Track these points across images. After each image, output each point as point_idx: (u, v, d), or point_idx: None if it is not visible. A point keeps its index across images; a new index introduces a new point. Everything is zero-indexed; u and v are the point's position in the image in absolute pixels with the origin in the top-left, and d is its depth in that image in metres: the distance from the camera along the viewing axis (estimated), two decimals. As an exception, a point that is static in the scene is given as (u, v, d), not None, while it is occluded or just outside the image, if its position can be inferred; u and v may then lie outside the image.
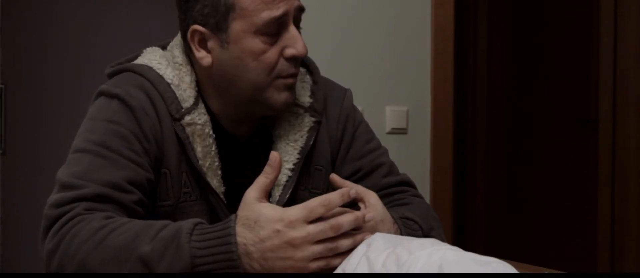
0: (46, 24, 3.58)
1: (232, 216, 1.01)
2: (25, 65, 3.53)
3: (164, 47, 1.30)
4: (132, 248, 0.99)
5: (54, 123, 3.57)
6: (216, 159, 1.21)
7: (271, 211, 0.99)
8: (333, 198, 0.99)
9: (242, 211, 1.01)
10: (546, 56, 3.71)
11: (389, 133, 2.63)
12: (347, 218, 0.99)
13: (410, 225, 1.19)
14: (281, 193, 1.24)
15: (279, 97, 1.19)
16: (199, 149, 1.19)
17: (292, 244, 0.97)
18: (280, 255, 0.97)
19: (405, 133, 2.67)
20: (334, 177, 1.19)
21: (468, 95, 4.05)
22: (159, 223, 1.02)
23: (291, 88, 1.21)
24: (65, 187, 1.08)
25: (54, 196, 1.08)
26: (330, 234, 0.98)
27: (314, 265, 0.98)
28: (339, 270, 0.96)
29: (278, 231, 0.97)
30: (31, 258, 3.19)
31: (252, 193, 1.02)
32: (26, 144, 3.54)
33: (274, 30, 1.16)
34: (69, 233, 1.02)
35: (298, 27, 1.20)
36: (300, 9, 1.19)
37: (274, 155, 1.04)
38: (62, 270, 1.02)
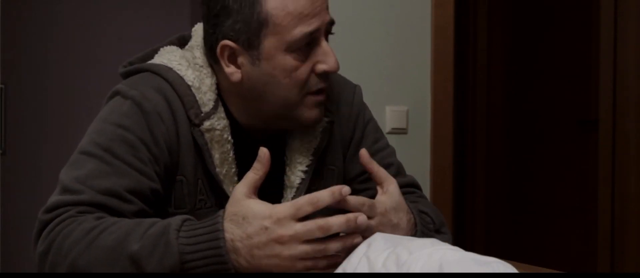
0: (46, 24, 3.58)
1: (220, 213, 1.00)
2: (25, 65, 3.53)
3: (181, 44, 1.27)
4: (122, 247, 0.99)
5: (54, 123, 3.57)
6: (233, 166, 1.19)
7: (260, 207, 0.98)
8: (322, 196, 0.98)
9: (230, 207, 1.00)
10: (546, 55, 3.71)
11: (389, 133, 2.63)
12: (337, 220, 0.97)
13: (424, 218, 1.19)
14: (294, 195, 1.23)
15: (310, 114, 1.18)
16: (216, 155, 1.17)
17: (279, 242, 0.96)
18: (267, 253, 0.96)
19: (405, 133, 2.67)
20: (363, 153, 1.16)
21: (468, 95, 4.05)
22: (148, 221, 1.02)
23: (321, 105, 1.19)
24: (64, 190, 1.07)
25: (51, 200, 1.07)
26: (318, 234, 0.97)
27: (301, 265, 0.97)
28: (339, 270, 0.96)
29: (266, 228, 0.96)
30: (31, 258, 3.18)
31: (241, 188, 1.01)
32: (26, 144, 3.54)
33: (306, 46, 1.14)
34: (61, 234, 1.02)
35: (328, 37, 1.18)
36: (331, 23, 1.17)
37: (263, 151, 1.03)
38: (54, 271, 1.02)
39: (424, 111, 2.70)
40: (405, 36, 2.66)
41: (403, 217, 1.12)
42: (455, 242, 1.09)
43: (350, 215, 0.98)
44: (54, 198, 1.07)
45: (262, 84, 1.16)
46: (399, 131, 2.66)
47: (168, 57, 1.21)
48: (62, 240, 1.01)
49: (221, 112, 1.18)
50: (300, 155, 1.24)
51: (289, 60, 1.13)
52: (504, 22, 3.97)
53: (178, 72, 1.18)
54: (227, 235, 0.98)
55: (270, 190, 1.12)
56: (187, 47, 1.25)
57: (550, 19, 3.69)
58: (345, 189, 1.00)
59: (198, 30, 1.25)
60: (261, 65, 1.14)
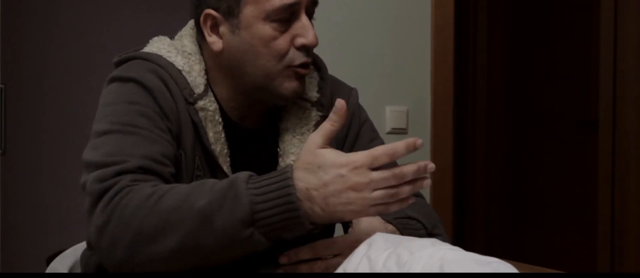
0: (46, 23, 3.58)
1: (290, 164, 1.02)
2: (25, 65, 3.53)
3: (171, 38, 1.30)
4: (188, 205, 0.99)
5: (54, 122, 3.57)
6: (225, 146, 1.21)
7: (336, 156, 1.00)
8: (398, 147, 1.00)
9: (305, 156, 1.01)
10: (546, 55, 3.71)
11: (389, 133, 2.63)
12: (410, 168, 1.00)
13: (412, 225, 1.20)
14: None
15: (289, 85, 1.20)
16: (211, 134, 1.19)
17: (355, 189, 0.98)
18: (342, 200, 0.98)
19: (405, 133, 2.67)
20: None
21: (468, 95, 4.05)
22: (210, 181, 1.03)
23: (301, 78, 1.21)
24: (101, 165, 1.06)
25: (94, 174, 1.05)
26: (393, 182, 0.99)
27: (374, 210, 0.99)
28: (339, 270, 0.96)
29: (342, 176, 0.98)
30: (31, 258, 3.18)
31: (316, 139, 1.02)
32: (26, 144, 3.54)
33: (285, 17, 1.16)
34: (120, 204, 1.01)
35: (311, 19, 1.21)
36: (313, 2, 1.20)
37: (340, 102, 1.04)
38: (115, 244, 1.00)
39: (424, 111, 2.70)
40: (405, 35, 2.66)
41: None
42: (455, 242, 1.09)
43: (421, 163, 1.01)
44: (95, 173, 1.05)
45: (242, 53, 1.18)
46: (399, 131, 2.66)
47: (157, 45, 1.24)
48: (123, 209, 1.00)
49: (211, 96, 1.21)
50: (293, 146, 1.26)
51: (267, 29, 1.16)
52: (504, 22, 3.97)
53: (168, 58, 1.21)
54: (301, 184, 0.99)
55: None
56: (176, 36, 1.28)
57: (550, 19, 3.69)
58: (420, 141, 1.01)
59: (190, 23, 1.29)
60: (240, 34, 1.17)
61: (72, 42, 3.61)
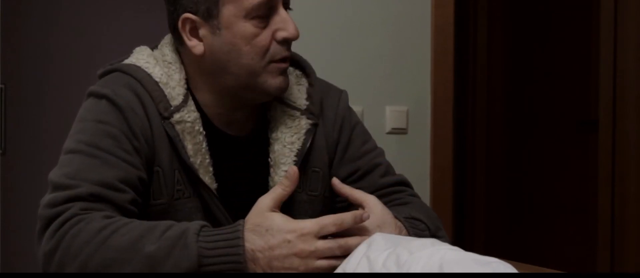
0: (46, 24, 3.57)
1: (240, 222, 1.03)
2: (25, 65, 3.52)
3: (155, 47, 1.30)
4: (137, 248, 1.00)
5: (54, 123, 3.56)
6: (207, 156, 1.21)
7: (284, 221, 1.02)
8: (346, 218, 1.03)
9: (254, 218, 1.03)
10: (546, 56, 3.71)
11: (389, 133, 2.63)
12: (355, 241, 1.02)
13: (418, 226, 1.19)
14: None
15: (274, 82, 1.20)
16: (189, 146, 1.19)
17: (300, 256, 1.00)
18: (286, 265, 1.00)
19: (405, 133, 2.67)
20: (335, 182, 1.20)
21: (468, 95, 4.05)
22: (163, 224, 1.03)
23: (284, 73, 1.22)
24: (58, 187, 1.08)
25: (48, 197, 1.08)
26: (337, 253, 1.01)
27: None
28: (339, 270, 0.96)
29: (288, 241, 1.00)
30: (31, 258, 3.17)
31: (267, 201, 1.04)
32: (26, 144, 3.53)
33: (264, 13, 1.16)
34: (69, 233, 1.02)
35: (287, 9, 1.21)
36: None
37: (292, 169, 1.07)
38: (62, 271, 1.02)
39: (424, 111, 2.70)
40: (405, 35, 2.66)
41: (393, 232, 1.13)
42: (455, 242, 1.09)
43: (364, 238, 1.03)
44: (49, 195, 1.08)
45: (225, 54, 1.18)
46: (399, 131, 2.66)
47: (137, 56, 1.25)
48: (71, 239, 1.02)
49: (191, 105, 1.21)
50: (284, 156, 1.26)
51: (248, 27, 1.16)
52: (504, 22, 3.97)
53: (146, 70, 1.21)
54: (248, 245, 1.00)
55: (256, 191, 1.14)
56: (158, 46, 1.28)
57: (550, 19, 3.69)
58: (366, 214, 1.05)
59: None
60: (222, 34, 1.17)
61: (72, 42, 3.60)
